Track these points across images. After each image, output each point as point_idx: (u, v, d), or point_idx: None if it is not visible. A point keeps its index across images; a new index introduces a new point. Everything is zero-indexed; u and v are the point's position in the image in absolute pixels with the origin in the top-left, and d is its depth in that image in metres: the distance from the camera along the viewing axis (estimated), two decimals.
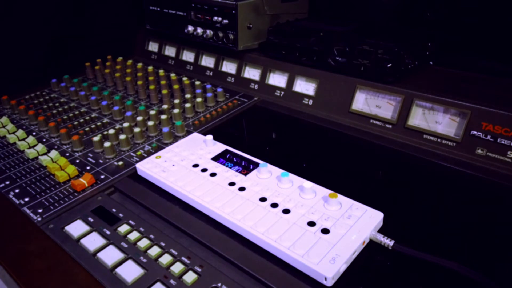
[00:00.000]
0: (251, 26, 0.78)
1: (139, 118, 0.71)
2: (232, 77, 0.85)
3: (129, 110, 0.75)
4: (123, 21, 1.08)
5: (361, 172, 0.58)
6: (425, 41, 0.71)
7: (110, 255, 0.44)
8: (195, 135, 0.64)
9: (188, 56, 0.95)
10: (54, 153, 0.63)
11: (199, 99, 0.76)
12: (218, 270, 0.41)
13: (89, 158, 0.63)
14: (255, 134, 0.72)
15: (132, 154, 0.64)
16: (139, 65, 0.95)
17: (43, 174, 0.60)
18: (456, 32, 0.73)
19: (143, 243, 0.45)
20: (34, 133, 0.71)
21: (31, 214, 0.51)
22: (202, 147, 0.60)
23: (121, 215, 0.50)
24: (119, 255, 0.44)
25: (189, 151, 0.59)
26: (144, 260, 0.43)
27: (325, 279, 0.38)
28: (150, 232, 0.47)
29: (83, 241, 0.46)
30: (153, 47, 1.02)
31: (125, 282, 0.41)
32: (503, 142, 0.53)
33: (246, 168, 0.55)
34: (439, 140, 0.58)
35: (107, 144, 0.63)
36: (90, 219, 0.50)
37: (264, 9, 0.80)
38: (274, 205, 0.47)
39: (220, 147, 0.60)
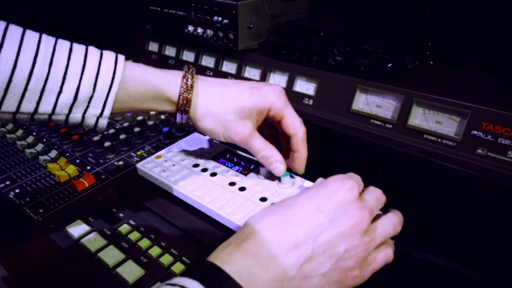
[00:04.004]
0: (251, 26, 0.78)
1: (139, 118, 0.71)
2: (232, 77, 0.85)
3: None
4: (123, 21, 1.08)
5: (361, 172, 0.58)
6: (425, 41, 0.71)
7: (110, 255, 0.44)
8: (195, 135, 0.64)
9: (188, 56, 0.95)
10: (54, 153, 0.63)
11: None
12: None
13: (89, 158, 0.63)
14: None
15: (132, 154, 0.64)
16: None
17: (43, 174, 0.60)
18: (456, 32, 0.73)
19: (143, 243, 0.45)
20: (34, 133, 0.71)
21: (31, 214, 0.51)
22: (203, 147, 0.60)
23: (121, 215, 0.50)
24: (119, 255, 0.44)
25: (189, 151, 0.59)
26: (144, 260, 0.43)
27: None
28: (150, 232, 0.47)
29: (83, 241, 0.46)
30: (153, 47, 1.02)
31: (125, 282, 0.41)
32: (503, 142, 0.53)
33: (246, 168, 0.55)
34: (439, 140, 0.58)
35: (107, 144, 0.63)
36: (90, 219, 0.50)
37: (264, 9, 0.80)
38: None
39: (220, 147, 0.60)
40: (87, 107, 0.42)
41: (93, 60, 0.42)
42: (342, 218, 0.37)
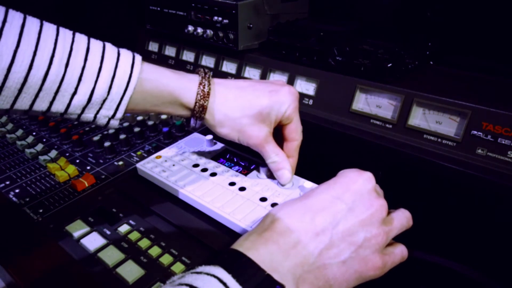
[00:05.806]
0: (251, 26, 0.78)
1: (139, 118, 0.71)
2: (233, 77, 0.85)
3: None
4: (123, 21, 1.08)
5: None
6: (425, 41, 0.71)
7: (110, 255, 0.44)
8: (195, 135, 0.64)
9: (188, 56, 0.95)
10: (54, 153, 0.63)
11: None
12: None
13: (89, 158, 0.63)
14: None
15: (132, 154, 0.64)
16: None
17: (43, 174, 0.60)
18: (456, 32, 0.73)
19: (143, 243, 0.45)
20: (34, 133, 0.71)
21: (31, 214, 0.51)
22: (202, 147, 0.60)
23: (121, 215, 0.50)
24: (119, 255, 0.44)
25: (189, 151, 0.59)
26: (144, 260, 0.43)
27: None
28: (150, 232, 0.47)
29: (83, 241, 0.46)
30: (153, 47, 1.02)
31: (125, 282, 0.41)
32: (503, 142, 0.53)
33: (246, 168, 0.55)
34: (439, 140, 0.58)
35: (107, 144, 0.63)
36: (90, 219, 0.50)
37: (264, 9, 0.80)
38: (275, 205, 0.47)
39: (220, 147, 0.60)
40: (100, 108, 0.42)
41: (110, 62, 0.42)
42: (361, 206, 0.37)
